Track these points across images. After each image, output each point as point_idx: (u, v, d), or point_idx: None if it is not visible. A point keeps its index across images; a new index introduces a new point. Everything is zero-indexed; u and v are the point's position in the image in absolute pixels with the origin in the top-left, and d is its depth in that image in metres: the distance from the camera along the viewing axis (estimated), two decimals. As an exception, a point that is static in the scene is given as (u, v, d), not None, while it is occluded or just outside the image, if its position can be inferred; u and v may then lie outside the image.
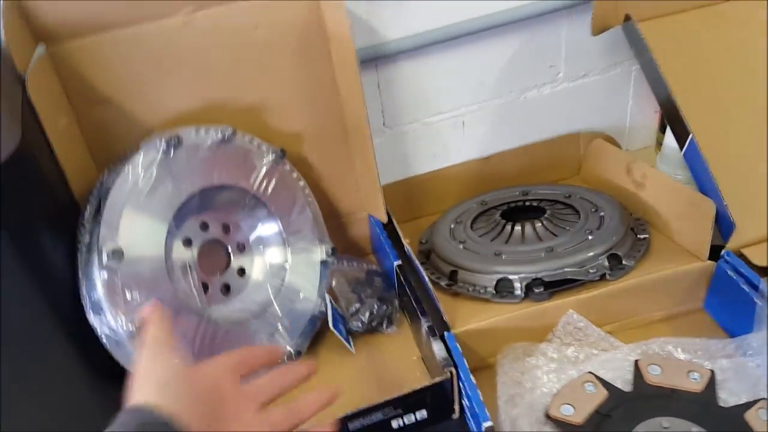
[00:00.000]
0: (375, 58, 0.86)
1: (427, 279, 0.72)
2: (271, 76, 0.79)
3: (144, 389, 0.44)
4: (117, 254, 0.61)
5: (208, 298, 0.73)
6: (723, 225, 0.74)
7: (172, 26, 0.74)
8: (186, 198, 0.70)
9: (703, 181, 0.74)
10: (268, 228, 0.78)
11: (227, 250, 0.77)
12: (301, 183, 0.81)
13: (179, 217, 0.70)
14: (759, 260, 0.73)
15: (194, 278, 0.71)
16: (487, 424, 0.59)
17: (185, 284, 0.70)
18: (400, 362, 0.76)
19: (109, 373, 0.64)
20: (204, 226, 0.75)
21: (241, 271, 0.78)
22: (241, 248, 0.78)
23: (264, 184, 0.77)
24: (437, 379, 0.65)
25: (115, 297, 0.62)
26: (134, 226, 0.64)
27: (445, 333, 0.70)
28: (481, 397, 0.62)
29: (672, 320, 0.77)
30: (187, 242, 0.73)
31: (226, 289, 0.76)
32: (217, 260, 0.76)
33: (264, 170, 0.77)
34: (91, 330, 0.63)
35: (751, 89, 0.78)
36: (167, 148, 0.68)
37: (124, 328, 0.62)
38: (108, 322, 0.62)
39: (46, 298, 0.61)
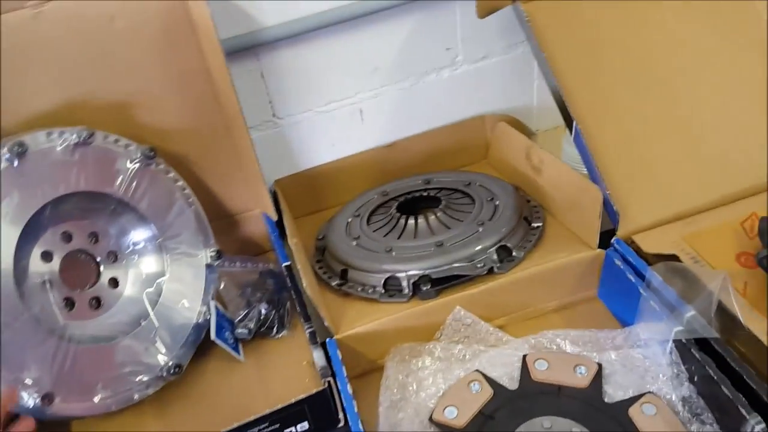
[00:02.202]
0: (254, 46, 0.81)
1: (304, 283, 0.68)
2: (135, 69, 0.73)
3: None
4: (-54, 278, 0.56)
5: (75, 314, 0.68)
6: (612, 212, 0.72)
7: (21, 19, 0.69)
8: (37, 209, 0.64)
9: (590, 168, 0.72)
10: (141, 234, 0.73)
11: (96, 260, 0.72)
12: (179, 183, 0.76)
13: (33, 230, 0.65)
14: (648, 247, 0.71)
15: (55, 294, 0.66)
16: (359, 436, 0.56)
17: (44, 301, 0.65)
18: (291, 369, 0.72)
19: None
20: (66, 237, 0.69)
21: (114, 283, 0.73)
22: (112, 258, 0.73)
23: (132, 186, 0.71)
24: (313, 391, 0.62)
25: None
26: (-29, 245, 0.58)
27: (327, 339, 0.67)
28: (356, 407, 0.59)
29: (565, 310, 0.76)
30: (46, 255, 0.67)
31: (97, 303, 0.71)
32: (85, 272, 0.71)
33: (131, 172, 0.71)
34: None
35: (641, 75, 0.76)
36: (10, 157, 0.62)
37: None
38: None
39: None
